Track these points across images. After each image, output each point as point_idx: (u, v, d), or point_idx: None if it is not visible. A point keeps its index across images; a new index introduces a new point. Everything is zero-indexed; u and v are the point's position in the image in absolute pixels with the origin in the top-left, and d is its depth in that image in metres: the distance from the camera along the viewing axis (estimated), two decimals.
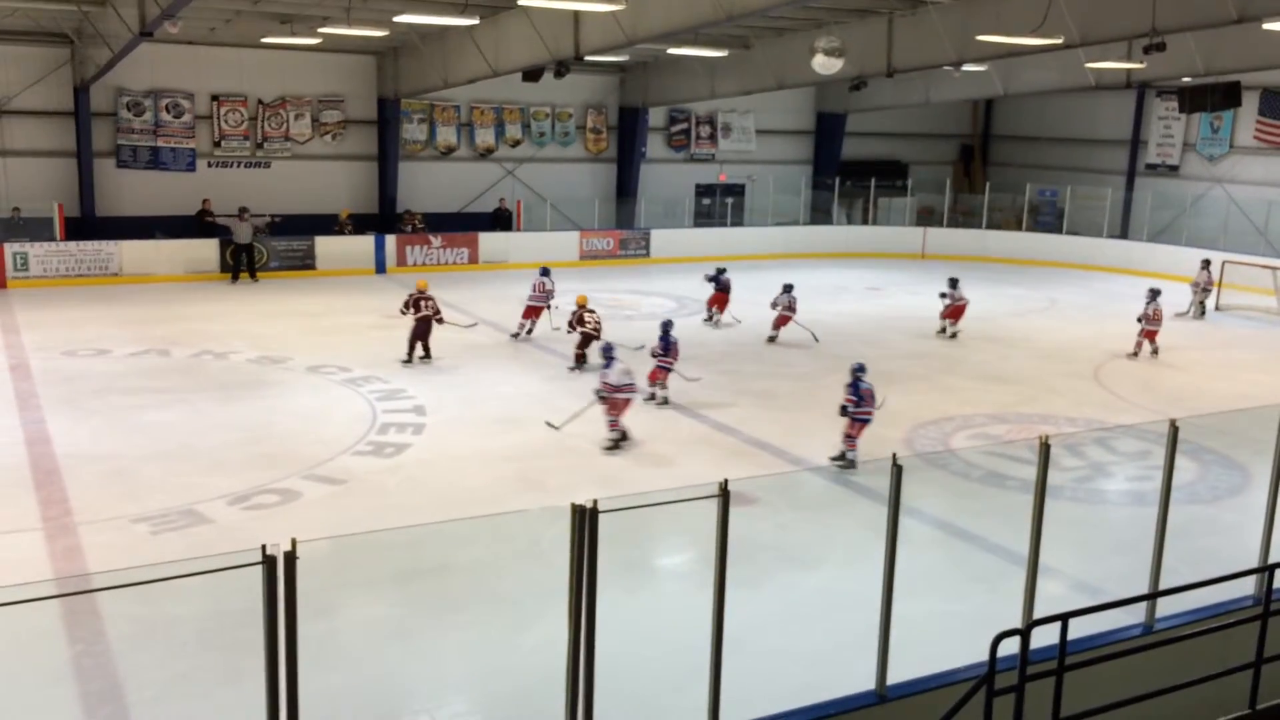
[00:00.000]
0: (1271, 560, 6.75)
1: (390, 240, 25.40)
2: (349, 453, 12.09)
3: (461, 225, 27.05)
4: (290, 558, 4.23)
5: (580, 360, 16.12)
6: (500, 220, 27.69)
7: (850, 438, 11.73)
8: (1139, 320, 18.01)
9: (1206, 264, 22.39)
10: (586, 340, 16.07)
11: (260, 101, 25.87)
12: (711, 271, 20.63)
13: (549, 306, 18.37)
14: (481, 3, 18.40)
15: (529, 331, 18.40)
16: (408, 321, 16.33)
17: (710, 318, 20.30)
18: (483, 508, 9.92)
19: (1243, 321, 21.89)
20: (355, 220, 26.08)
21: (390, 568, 8.66)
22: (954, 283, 19.65)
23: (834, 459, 11.78)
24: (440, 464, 11.87)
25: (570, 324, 16.37)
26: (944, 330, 19.52)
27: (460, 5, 17.47)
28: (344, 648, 7.46)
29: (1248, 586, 6.86)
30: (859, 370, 12.06)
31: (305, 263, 24.42)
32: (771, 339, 18.72)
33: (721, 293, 20.26)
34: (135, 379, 15.01)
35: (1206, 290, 22.16)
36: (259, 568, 4.27)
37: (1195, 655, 6.36)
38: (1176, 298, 22.57)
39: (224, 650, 7.37)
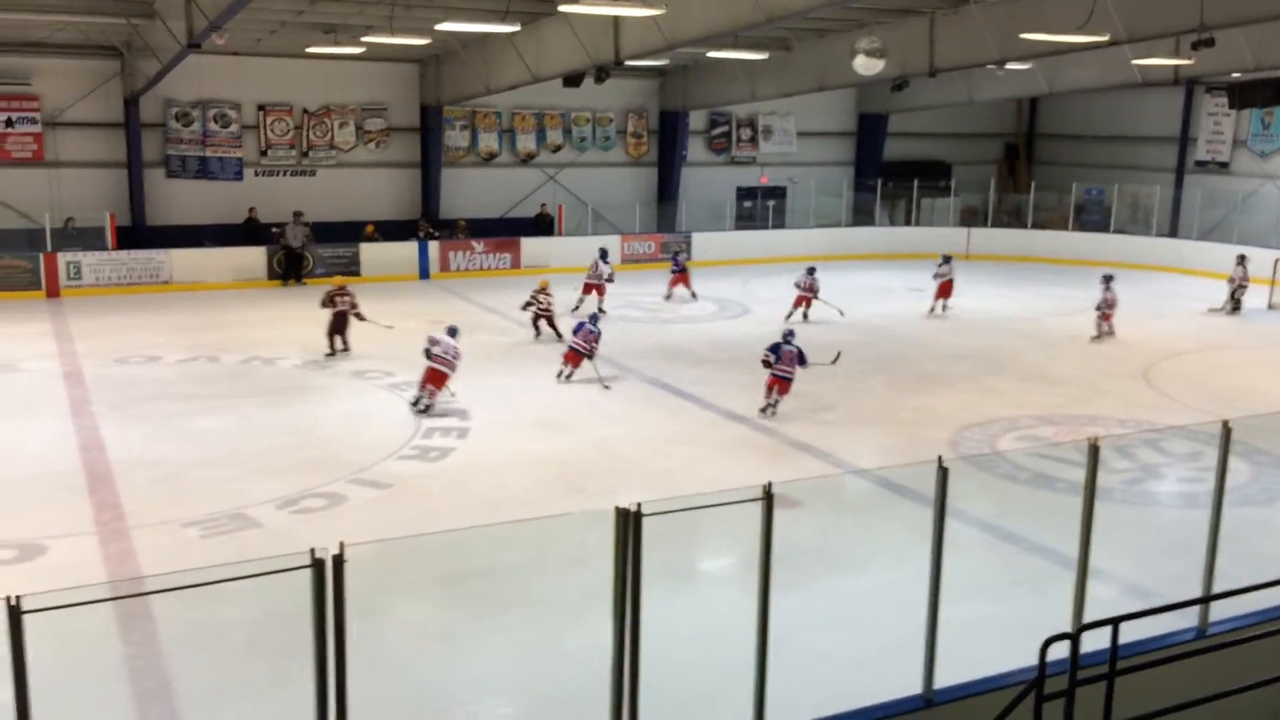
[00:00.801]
0: None
1: (433, 246, 25.59)
2: (394, 457, 12.19)
3: (504, 230, 27.21)
4: (339, 561, 4.28)
5: (538, 332, 18.62)
6: (542, 225, 27.82)
7: (770, 389, 13.87)
8: (1096, 309, 19.13)
9: (1242, 259, 22.14)
10: (538, 318, 18.47)
11: (305, 110, 26.20)
12: (676, 260, 23.43)
13: (600, 286, 20.82)
14: (522, 10, 18.52)
15: (573, 309, 20.28)
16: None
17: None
18: (525, 511, 9.96)
19: (1231, 314, 21.48)
20: (388, 227, 26.22)
21: (435, 571, 8.72)
22: (946, 259, 19.93)
23: (760, 410, 13.87)
24: (483, 468, 11.94)
25: (526, 304, 18.74)
26: (933, 310, 20.18)
27: (501, 13, 17.59)
28: (390, 651, 7.52)
29: None
30: (788, 335, 14.41)
31: (350, 269, 24.66)
32: (789, 316, 20.00)
33: (680, 273, 22.75)
34: (185, 385, 15.25)
35: (1243, 286, 21.87)
36: (308, 571, 4.32)
37: (1250, 659, 6.24)
38: (1213, 293, 22.35)
39: (273, 653, 7.45)
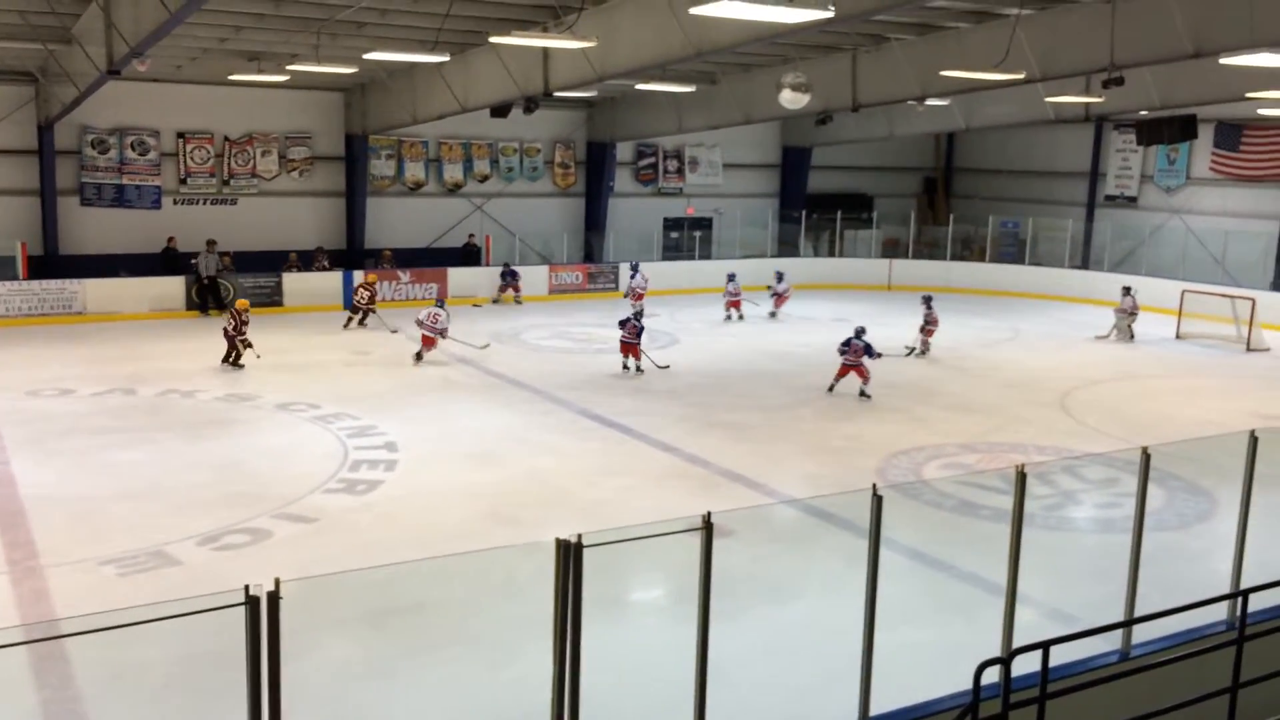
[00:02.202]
0: (1243, 586, 6.82)
1: (358, 276, 25.30)
2: (320, 490, 11.98)
3: (431, 260, 27.02)
4: (274, 598, 4.19)
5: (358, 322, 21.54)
6: (469, 255, 27.70)
7: (840, 377, 16.96)
8: (920, 330, 20.69)
9: (1128, 290, 23.12)
10: (355, 309, 20.95)
11: (227, 138, 25.80)
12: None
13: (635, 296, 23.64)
14: (451, 40, 18.50)
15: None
16: (376, 358, 16.36)
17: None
18: (457, 544, 9.85)
19: (1203, 349, 22.26)
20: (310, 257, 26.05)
21: (365, 607, 8.57)
22: (928, 300, 20.93)
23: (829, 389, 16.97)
24: (413, 501, 11.80)
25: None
26: (912, 350, 20.64)
27: (430, 43, 17.56)
28: (319, 690, 7.36)
29: (1220, 612, 6.94)
30: (859, 330, 17.17)
31: (273, 299, 24.28)
32: (727, 319, 23.73)
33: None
34: (101, 419, 14.82)
35: (1133, 315, 22.82)
36: (235, 609, 4.22)
37: (1172, 681, 6.41)
38: (1101, 320, 23.22)
39: (196, 694, 7.26)
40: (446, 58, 18.85)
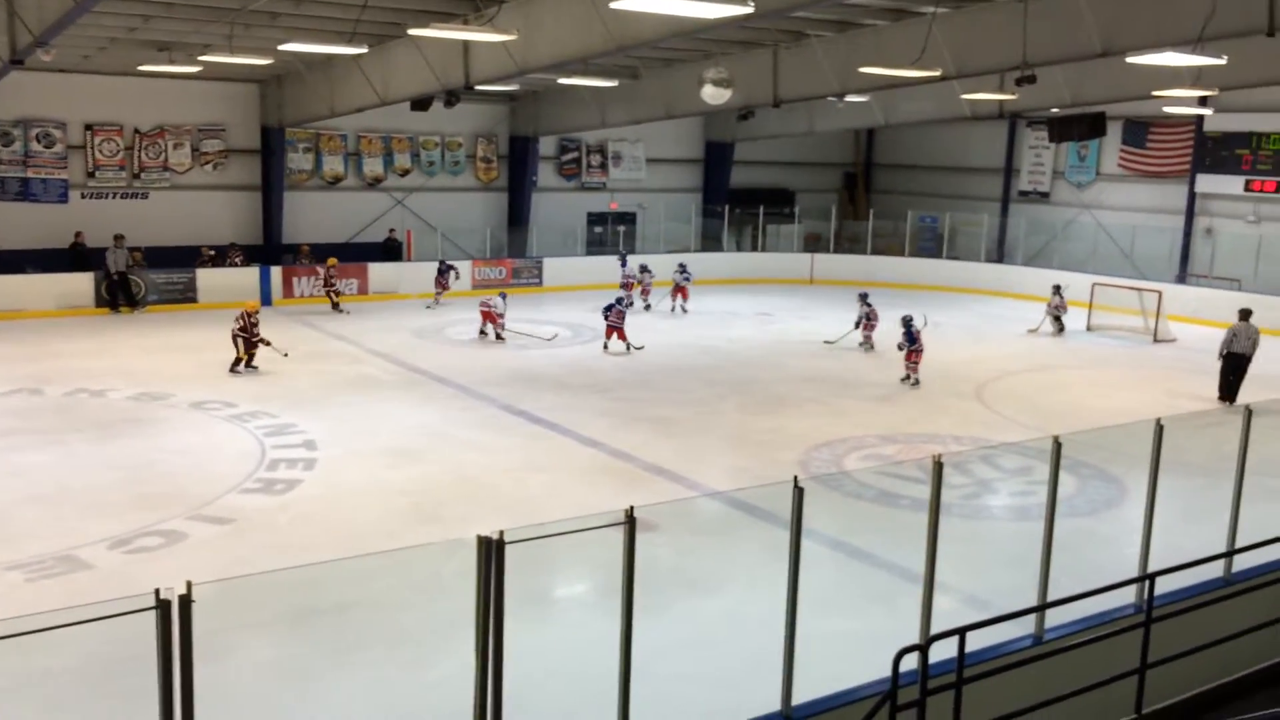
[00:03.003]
0: (1151, 569, 7.04)
1: (276, 272, 24.84)
2: (236, 491, 11.73)
3: (351, 255, 26.61)
4: (185, 601, 4.09)
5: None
6: (390, 250, 27.36)
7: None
8: (862, 327, 20.74)
9: (1058, 288, 23.66)
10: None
11: (137, 131, 25.09)
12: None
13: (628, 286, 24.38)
14: (369, 32, 18.23)
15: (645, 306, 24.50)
16: (295, 355, 16.04)
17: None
18: (379, 543, 9.73)
19: (1113, 341, 22.92)
20: (239, 251, 25.54)
21: (284, 609, 8.41)
22: (864, 297, 21.09)
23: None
24: (334, 499, 11.61)
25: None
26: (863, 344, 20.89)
27: (347, 34, 17.27)
28: (237, 694, 7.21)
29: (1129, 595, 7.15)
30: (908, 319, 17.81)
31: (186, 295, 23.70)
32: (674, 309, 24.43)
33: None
34: (6, 420, 14.32)
35: (1062, 308, 23.47)
36: (145, 614, 4.11)
37: (1083, 663, 6.59)
38: (1037, 315, 23.75)
39: (106, 701, 7.05)
40: (365, 50, 18.57)
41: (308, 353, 19.22)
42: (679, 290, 25.10)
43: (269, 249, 26.36)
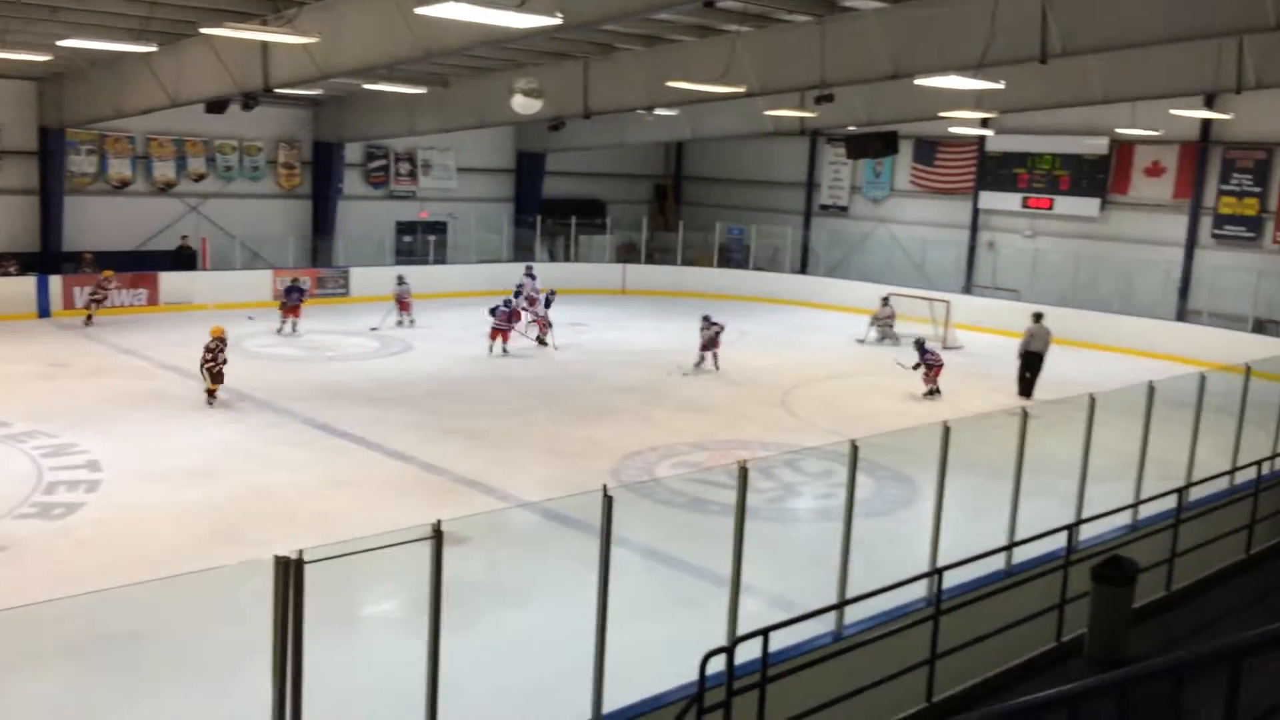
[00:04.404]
0: (939, 564, 7.42)
1: (55, 281, 23.22)
2: (10, 516, 10.90)
3: (140, 264, 25.15)
4: None
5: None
6: (183, 259, 25.98)
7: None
8: (704, 348, 20.16)
9: (886, 300, 24.96)
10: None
11: None
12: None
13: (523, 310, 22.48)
14: (160, 30, 17.30)
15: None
16: (76, 370, 15.00)
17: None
18: (174, 567, 9.20)
19: (907, 347, 24.09)
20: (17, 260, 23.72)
21: (65, 641, 7.86)
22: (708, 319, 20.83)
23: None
24: (121, 523, 10.93)
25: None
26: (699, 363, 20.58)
27: (136, 31, 16.35)
28: None
29: (921, 590, 7.50)
30: (920, 341, 18.81)
31: None
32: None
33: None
34: None
35: (892, 319, 24.65)
36: None
37: (880, 656, 6.88)
38: (841, 324, 24.84)
39: None
40: (154, 48, 17.62)
41: (91, 367, 18.06)
42: (533, 310, 23.66)
43: (47, 257, 24.57)
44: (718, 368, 20.02)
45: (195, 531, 10.69)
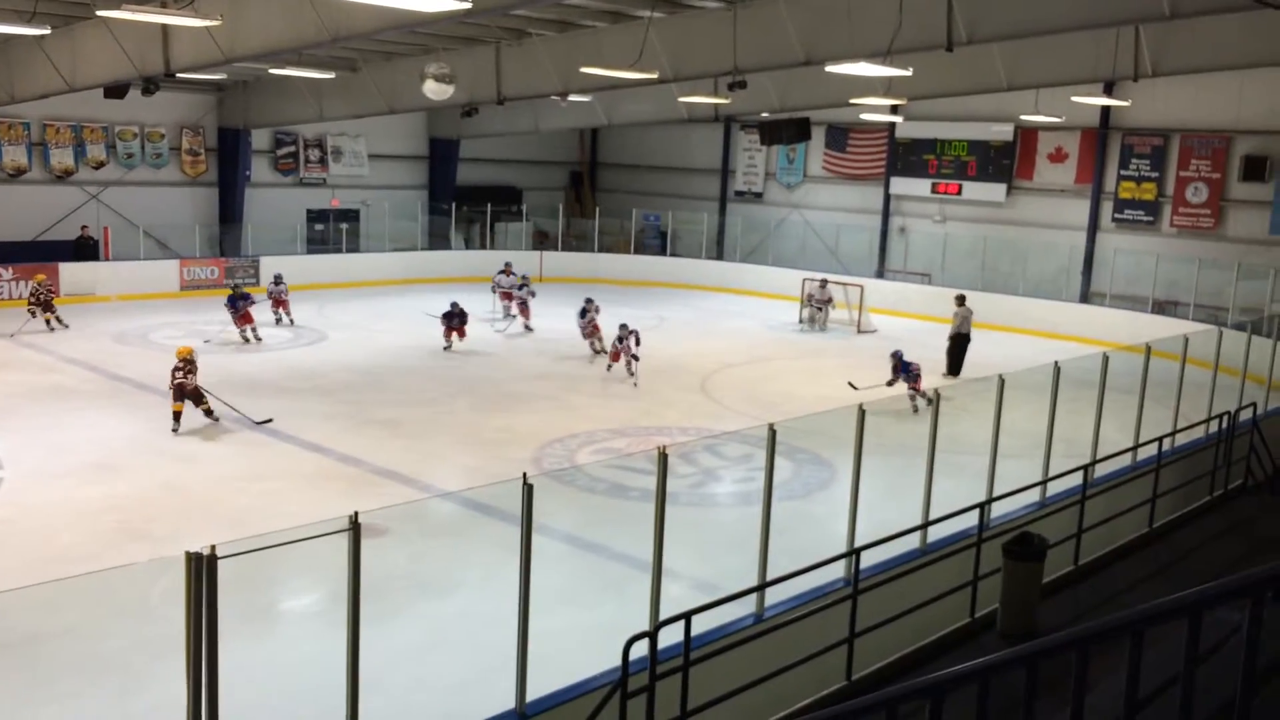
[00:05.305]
0: (857, 545, 7.55)
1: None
2: None
3: (38, 255, 24.25)
4: None
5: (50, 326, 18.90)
6: (84, 250, 25.13)
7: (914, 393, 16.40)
8: (620, 341, 18.37)
9: (825, 283, 25.11)
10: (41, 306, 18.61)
11: None
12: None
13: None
14: (53, 11, 16.64)
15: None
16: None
17: None
18: (80, 566, 8.91)
19: (820, 331, 24.47)
20: None
21: None
22: (589, 302, 20.85)
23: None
24: (22, 521, 10.56)
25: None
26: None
27: (26, 13, 15.68)
28: None
29: (839, 570, 7.63)
30: (898, 353, 16.90)
31: None
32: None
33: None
34: None
35: (826, 303, 24.87)
36: None
37: (801, 637, 6.99)
38: (756, 309, 25.04)
39: None
40: (47, 30, 16.92)
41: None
42: (523, 307, 23.05)
43: None
44: (636, 360, 18.21)
45: (102, 529, 10.38)
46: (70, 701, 7.20)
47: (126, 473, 12.16)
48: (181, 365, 14.19)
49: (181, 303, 24.11)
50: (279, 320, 22.07)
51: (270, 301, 22.12)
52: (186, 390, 14.06)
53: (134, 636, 7.80)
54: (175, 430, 13.90)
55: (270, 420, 14.29)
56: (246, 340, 20.08)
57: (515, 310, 23.10)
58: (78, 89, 19.23)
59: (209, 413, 14.23)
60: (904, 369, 16.83)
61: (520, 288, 23.49)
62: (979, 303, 23.82)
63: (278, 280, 22.59)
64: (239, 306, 20.19)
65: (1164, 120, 25.02)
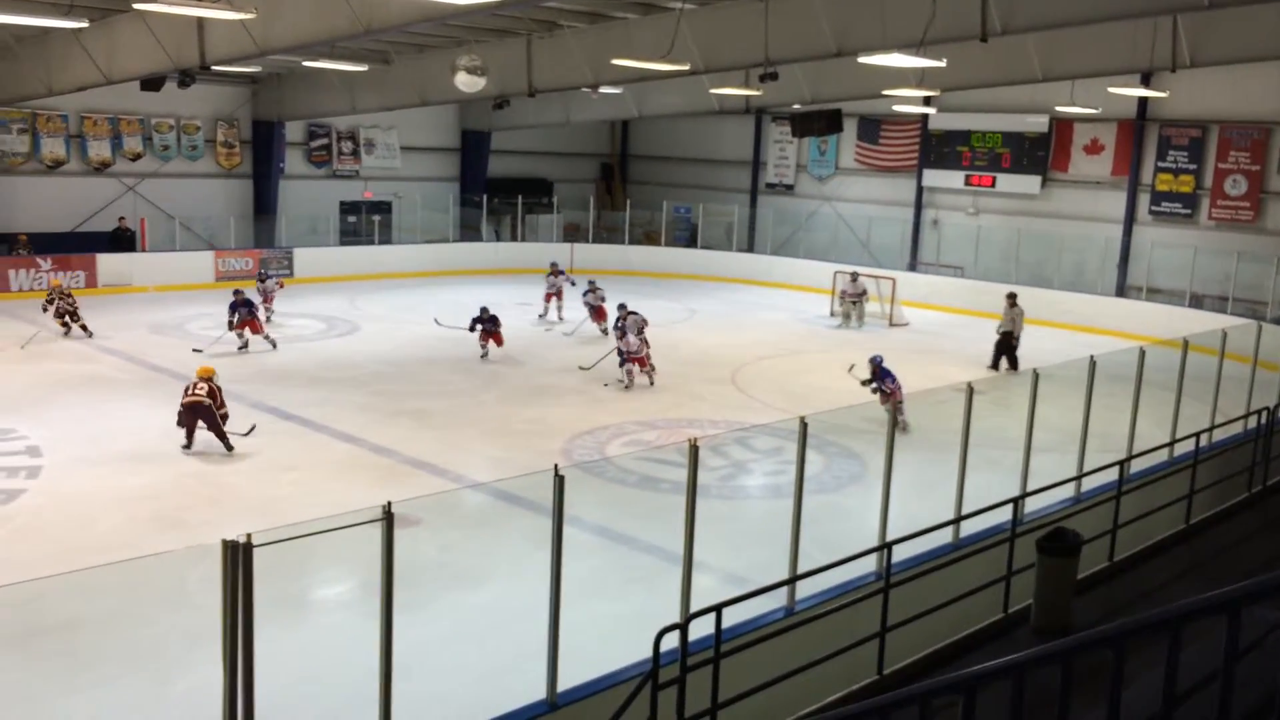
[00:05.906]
0: (889, 539, 7.51)
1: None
2: None
3: (76, 246, 24.58)
4: None
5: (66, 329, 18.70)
6: (121, 240, 25.44)
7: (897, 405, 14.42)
8: (618, 325, 18.49)
9: (855, 276, 24.55)
10: (61, 314, 18.47)
11: None
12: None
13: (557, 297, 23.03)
14: (90, 4, 16.84)
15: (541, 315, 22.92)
16: (10, 355, 14.62)
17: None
18: (116, 554, 9.05)
19: (857, 328, 24.32)
20: None
21: (3, 630, 7.69)
22: (592, 284, 21.30)
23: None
24: (62, 510, 10.71)
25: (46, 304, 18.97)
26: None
27: (64, 6, 15.88)
28: None
29: (870, 564, 7.60)
30: (877, 358, 15.48)
31: None
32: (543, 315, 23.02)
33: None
34: None
35: (859, 297, 24.21)
36: None
37: (831, 630, 6.96)
38: (789, 302, 24.88)
39: None
40: (85, 24, 17.14)
41: (29, 351, 17.63)
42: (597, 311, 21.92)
43: None
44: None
45: (137, 516, 10.51)
46: (108, 686, 7.31)
47: (162, 462, 12.30)
48: (198, 385, 12.89)
49: (217, 293, 24.24)
50: (268, 318, 20.57)
51: (260, 296, 21.06)
52: (200, 411, 12.70)
53: (170, 623, 7.90)
54: (187, 448, 12.75)
55: (254, 427, 13.35)
56: (244, 347, 18.55)
57: (565, 312, 23.06)
58: (114, 81, 19.45)
59: (230, 447, 12.80)
60: (883, 375, 15.22)
61: (558, 275, 23.38)
62: None
63: (263, 277, 22.12)
64: (241, 315, 18.82)
65: (1202, 112, 24.67)
